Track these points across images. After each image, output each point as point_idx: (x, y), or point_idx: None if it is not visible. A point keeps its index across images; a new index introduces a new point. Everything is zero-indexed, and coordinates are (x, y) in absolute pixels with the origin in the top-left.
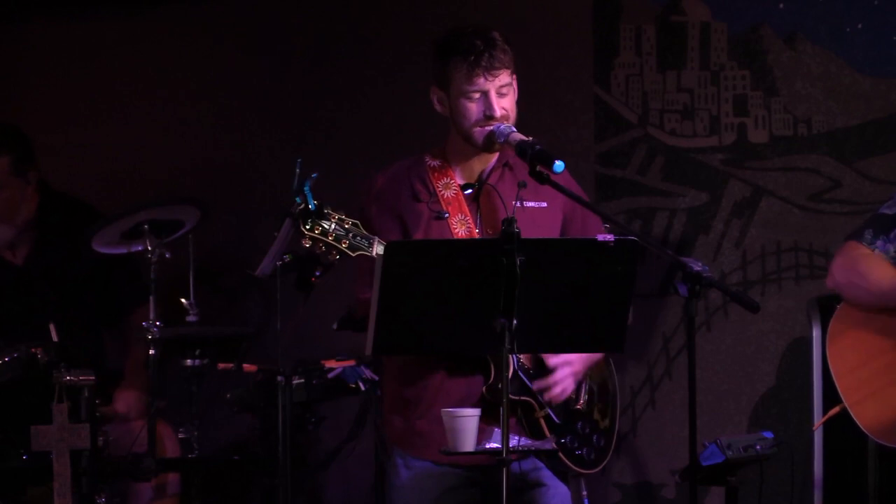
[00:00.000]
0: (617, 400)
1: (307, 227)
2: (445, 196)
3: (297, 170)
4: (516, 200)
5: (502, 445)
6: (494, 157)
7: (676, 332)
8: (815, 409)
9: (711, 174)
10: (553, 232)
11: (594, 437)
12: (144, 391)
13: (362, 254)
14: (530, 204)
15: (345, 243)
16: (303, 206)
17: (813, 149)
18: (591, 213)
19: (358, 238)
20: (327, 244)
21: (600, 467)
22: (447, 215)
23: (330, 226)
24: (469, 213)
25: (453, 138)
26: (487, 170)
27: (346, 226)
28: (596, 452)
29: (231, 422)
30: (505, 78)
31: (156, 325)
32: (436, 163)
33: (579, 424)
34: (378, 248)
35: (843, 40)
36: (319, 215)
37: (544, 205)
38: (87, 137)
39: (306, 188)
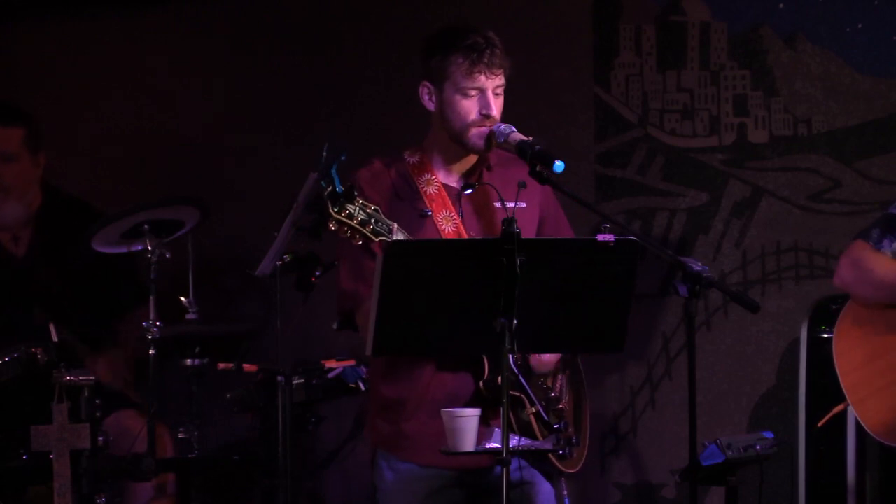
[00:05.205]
0: (586, 401)
1: (335, 209)
2: (428, 193)
3: (324, 153)
4: (500, 201)
5: (502, 445)
6: (475, 157)
7: (676, 332)
8: (801, 408)
9: (711, 174)
10: (532, 231)
11: (574, 438)
12: (125, 364)
13: (383, 239)
14: (511, 205)
15: (369, 227)
16: (330, 188)
17: (813, 149)
18: (562, 215)
19: (380, 223)
20: (352, 228)
21: (580, 466)
22: (429, 213)
23: (355, 209)
24: (454, 210)
25: (436, 136)
26: (470, 169)
27: (368, 210)
28: (577, 452)
29: (231, 422)
30: (501, 79)
31: (156, 325)
32: (415, 160)
33: (562, 424)
34: (398, 235)
35: (843, 40)
36: (348, 198)
37: (523, 205)
38: (86, 137)
39: (333, 171)
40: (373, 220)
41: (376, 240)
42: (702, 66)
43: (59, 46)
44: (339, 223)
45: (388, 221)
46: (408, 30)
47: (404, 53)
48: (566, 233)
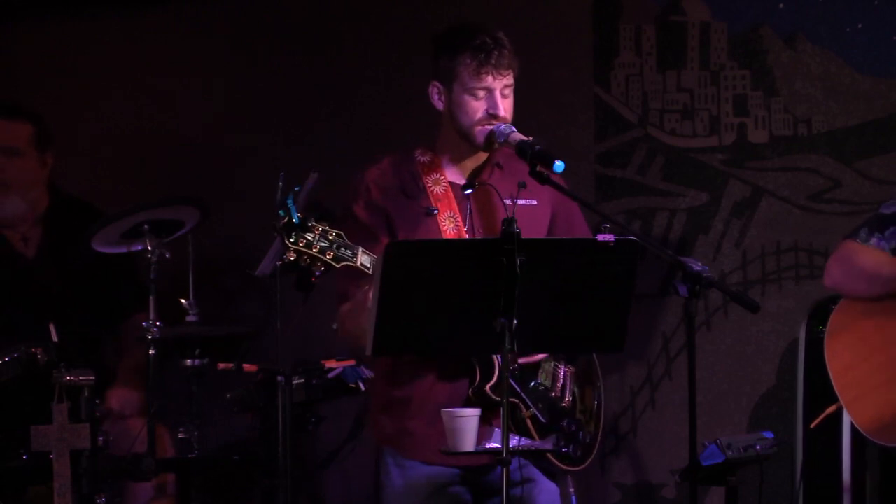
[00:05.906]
0: (601, 396)
1: (291, 240)
2: (435, 192)
3: (280, 183)
4: (509, 199)
5: (502, 445)
6: (485, 155)
7: (676, 332)
8: (799, 408)
9: (711, 174)
10: (543, 228)
11: (580, 434)
12: (139, 390)
13: (347, 264)
14: (521, 202)
15: (329, 255)
16: (286, 219)
17: (813, 149)
18: (576, 210)
19: (342, 249)
20: (312, 256)
21: (587, 464)
22: (436, 212)
23: (314, 238)
24: (458, 211)
25: (446, 135)
26: (479, 168)
27: (330, 237)
28: (582, 449)
29: (231, 422)
30: (510, 79)
31: (156, 326)
32: (426, 159)
33: (565, 422)
34: (362, 259)
35: (843, 40)
36: (303, 228)
37: (534, 202)
38: (86, 137)
39: (289, 201)
40: (334, 246)
41: (338, 266)
42: (702, 66)
43: (59, 46)
44: (298, 253)
45: (353, 245)
46: (408, 30)
47: (404, 53)
48: (579, 229)
